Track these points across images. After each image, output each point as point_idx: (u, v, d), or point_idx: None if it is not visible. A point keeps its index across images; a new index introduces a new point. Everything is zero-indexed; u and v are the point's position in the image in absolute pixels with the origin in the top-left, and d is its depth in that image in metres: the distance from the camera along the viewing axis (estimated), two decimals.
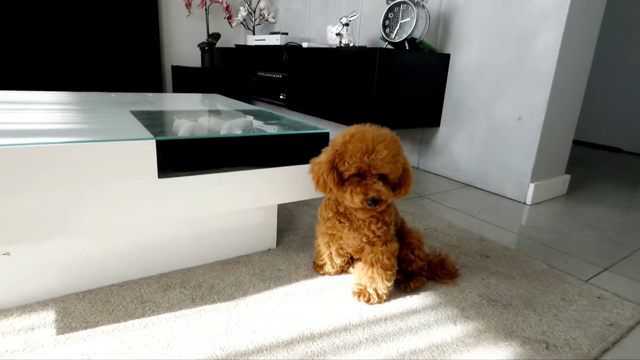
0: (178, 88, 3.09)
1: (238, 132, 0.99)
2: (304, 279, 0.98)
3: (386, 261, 0.88)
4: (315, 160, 0.85)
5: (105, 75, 2.90)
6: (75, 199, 0.74)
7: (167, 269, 0.97)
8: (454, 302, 0.92)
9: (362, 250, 0.91)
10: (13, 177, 0.68)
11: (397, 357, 0.74)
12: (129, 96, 1.48)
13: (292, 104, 2.33)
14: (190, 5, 3.05)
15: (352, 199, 0.79)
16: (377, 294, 0.89)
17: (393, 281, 0.90)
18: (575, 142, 3.10)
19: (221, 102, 1.56)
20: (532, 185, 1.66)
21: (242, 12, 3.08)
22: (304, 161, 0.97)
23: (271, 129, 1.06)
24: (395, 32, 1.88)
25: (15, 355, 0.68)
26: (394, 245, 0.90)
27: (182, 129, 0.99)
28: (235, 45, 2.97)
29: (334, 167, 0.81)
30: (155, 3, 2.99)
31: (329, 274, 1.00)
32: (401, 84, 1.79)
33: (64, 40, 2.70)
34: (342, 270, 1.02)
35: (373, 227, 0.87)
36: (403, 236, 0.98)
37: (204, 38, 3.17)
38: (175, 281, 0.93)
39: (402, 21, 1.84)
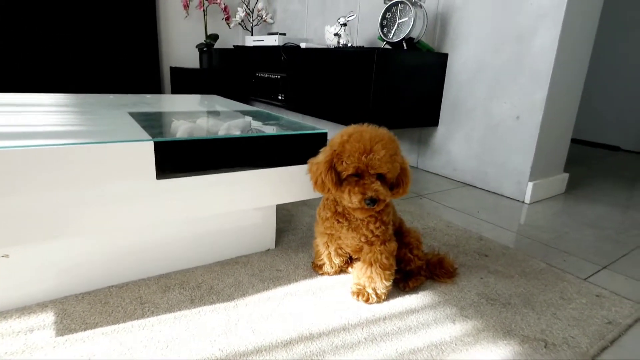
0: (176, 89, 3.09)
1: (236, 132, 0.99)
2: (303, 279, 0.98)
3: (385, 261, 0.88)
4: (313, 160, 0.85)
5: (104, 76, 2.90)
6: (73, 200, 0.75)
7: (166, 270, 0.97)
8: (453, 301, 0.92)
9: (360, 250, 0.92)
10: (12, 178, 0.68)
11: (396, 357, 0.74)
12: (127, 98, 1.48)
13: (291, 105, 2.33)
14: (188, 7, 3.05)
15: (351, 199, 0.79)
16: (376, 294, 0.89)
17: (392, 281, 0.90)
18: (574, 141, 3.11)
19: (219, 103, 1.56)
20: (530, 184, 1.66)
21: (240, 13, 3.08)
22: (302, 161, 0.97)
23: (269, 130, 1.07)
24: (393, 32, 1.88)
25: (15, 356, 0.68)
26: (393, 245, 0.90)
27: (180, 130, 0.99)
28: (234, 46, 2.97)
29: (332, 167, 0.81)
30: (153, 4, 2.99)
31: (328, 273, 1.00)
32: (399, 83, 1.80)
33: (62, 42, 2.70)
34: (341, 270, 1.02)
35: (371, 226, 0.87)
36: (401, 236, 0.98)
37: (202, 39, 3.17)
38: (174, 282, 0.93)
39: (400, 21, 1.84)
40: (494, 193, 1.79)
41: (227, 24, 3.22)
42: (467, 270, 1.07)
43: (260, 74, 2.62)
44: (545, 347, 0.78)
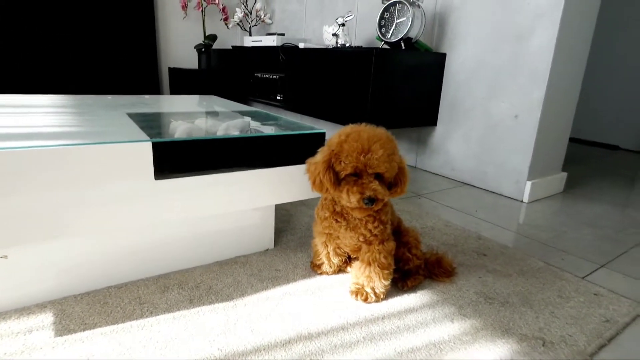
0: (175, 90, 3.10)
1: (234, 133, 0.99)
2: (301, 279, 0.98)
3: (383, 260, 0.88)
4: (311, 160, 0.86)
5: (103, 77, 2.90)
6: (72, 201, 0.75)
7: (165, 270, 0.97)
8: (451, 300, 0.93)
9: (359, 249, 0.92)
10: (10, 179, 0.68)
11: (395, 356, 0.74)
12: (125, 98, 1.48)
13: (289, 105, 2.34)
14: (186, 7, 3.05)
15: (349, 199, 0.79)
16: (375, 293, 0.89)
17: (390, 280, 0.91)
18: (573, 140, 3.11)
19: (218, 103, 1.56)
20: (529, 183, 1.66)
21: (239, 14, 3.08)
22: (301, 161, 0.97)
23: (268, 130, 1.07)
24: (391, 32, 1.88)
25: (14, 357, 0.69)
26: (391, 244, 0.90)
27: (179, 130, 0.99)
28: (232, 46, 2.97)
29: (330, 167, 0.81)
30: (151, 5, 2.99)
31: (327, 273, 1.00)
32: (397, 83, 1.80)
33: (62, 42, 2.70)
34: (340, 270, 1.02)
35: (370, 226, 0.87)
36: (400, 235, 0.98)
37: (200, 40, 3.17)
38: (173, 282, 0.93)
39: (398, 21, 1.85)
40: (493, 192, 1.79)
41: (226, 24, 3.22)
42: (466, 269, 1.07)
43: (259, 75, 2.62)
44: (543, 345, 0.79)
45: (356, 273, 0.92)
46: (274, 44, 2.53)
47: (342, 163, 0.79)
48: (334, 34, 2.13)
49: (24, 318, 0.78)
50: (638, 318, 0.90)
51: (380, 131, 0.81)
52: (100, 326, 0.77)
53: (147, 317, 0.81)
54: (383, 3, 1.91)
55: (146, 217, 0.84)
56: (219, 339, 0.76)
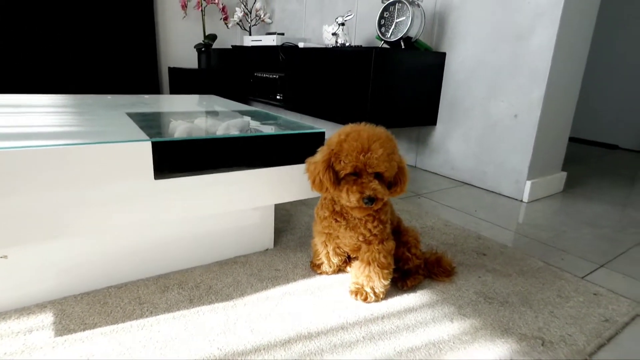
0: (175, 90, 3.10)
1: (234, 132, 0.99)
2: (301, 279, 0.98)
3: (383, 260, 0.88)
4: (311, 159, 0.86)
5: (103, 77, 2.90)
6: (71, 201, 0.75)
7: (164, 270, 0.97)
8: (451, 299, 0.93)
9: (358, 249, 0.92)
10: (10, 179, 0.69)
11: (394, 355, 0.74)
12: (125, 98, 1.48)
13: (289, 104, 2.34)
14: (186, 7, 3.05)
15: (349, 198, 0.79)
16: (374, 293, 0.89)
17: (390, 279, 0.91)
18: (572, 140, 3.11)
19: (217, 103, 1.56)
20: (528, 183, 1.66)
21: (238, 13, 3.08)
22: (300, 161, 0.97)
23: (267, 129, 1.07)
24: (390, 31, 1.88)
25: (14, 357, 0.69)
26: (391, 244, 0.90)
27: (178, 130, 0.99)
28: (232, 46, 2.97)
29: (329, 166, 0.81)
30: (151, 5, 2.99)
31: (326, 273, 1.00)
32: (397, 83, 1.80)
33: (62, 42, 2.70)
34: (340, 270, 1.02)
35: (369, 225, 0.87)
36: (400, 234, 0.98)
37: (200, 39, 3.17)
38: (173, 282, 0.93)
39: (398, 20, 1.85)
40: (492, 192, 1.79)
41: (225, 24, 3.22)
42: (465, 269, 1.07)
43: (259, 74, 2.62)
44: (542, 345, 0.79)
45: (356, 273, 0.92)
46: (274, 43, 2.53)
47: (342, 162, 0.79)
48: (334, 34, 2.12)
49: (24, 318, 0.78)
50: (637, 318, 0.90)
51: (380, 130, 0.81)
52: (100, 326, 0.77)
53: (147, 317, 0.81)
54: (383, 2, 1.91)
55: (146, 216, 0.84)
56: (219, 338, 0.76)
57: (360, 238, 0.89)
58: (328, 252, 0.97)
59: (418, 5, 1.81)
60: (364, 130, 0.80)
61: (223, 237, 1.04)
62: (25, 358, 0.69)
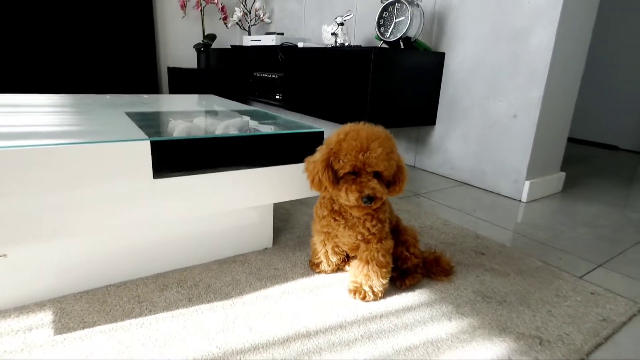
0: (174, 89, 3.10)
1: (233, 132, 1.00)
2: (300, 278, 0.98)
3: (381, 259, 0.88)
4: (310, 159, 0.86)
5: (102, 77, 2.90)
6: (71, 200, 0.75)
7: (163, 268, 0.98)
8: (449, 299, 0.93)
9: (357, 248, 0.92)
10: (9, 178, 0.69)
11: (392, 354, 0.74)
12: (124, 98, 1.48)
13: (288, 104, 2.34)
14: (185, 7, 3.05)
15: (348, 197, 0.79)
16: (373, 292, 0.89)
17: (388, 278, 0.91)
18: (572, 140, 3.12)
19: (217, 102, 1.56)
20: (527, 183, 1.67)
21: (238, 13, 3.08)
22: (299, 160, 0.97)
23: (266, 129, 1.07)
24: (390, 31, 1.89)
25: (14, 355, 0.69)
26: (389, 243, 0.90)
27: (177, 129, 1.00)
28: (231, 46, 2.97)
29: (328, 165, 0.81)
30: (150, 5, 2.99)
31: (325, 272, 1.01)
32: (396, 82, 1.80)
33: (62, 42, 2.70)
34: (338, 269, 1.02)
35: (368, 224, 0.87)
36: (398, 234, 0.98)
37: (199, 39, 3.17)
38: (172, 281, 0.94)
39: (397, 20, 1.85)
40: (491, 192, 1.79)
41: (225, 23, 3.22)
42: (464, 268, 1.07)
43: (258, 74, 2.62)
44: (540, 344, 0.79)
45: (354, 272, 0.92)
46: (273, 43, 2.53)
47: (341, 161, 0.79)
48: (333, 33, 2.13)
49: (24, 316, 0.79)
50: (635, 317, 0.91)
51: (379, 130, 0.81)
52: (99, 324, 0.78)
53: (146, 315, 0.81)
54: (382, 2, 1.91)
55: (145, 216, 0.84)
56: (218, 337, 0.76)
57: (359, 237, 0.89)
58: (327, 251, 0.97)
59: (417, 5, 1.81)
60: (363, 129, 0.80)
61: (222, 236, 1.04)
62: (25, 356, 0.69)
